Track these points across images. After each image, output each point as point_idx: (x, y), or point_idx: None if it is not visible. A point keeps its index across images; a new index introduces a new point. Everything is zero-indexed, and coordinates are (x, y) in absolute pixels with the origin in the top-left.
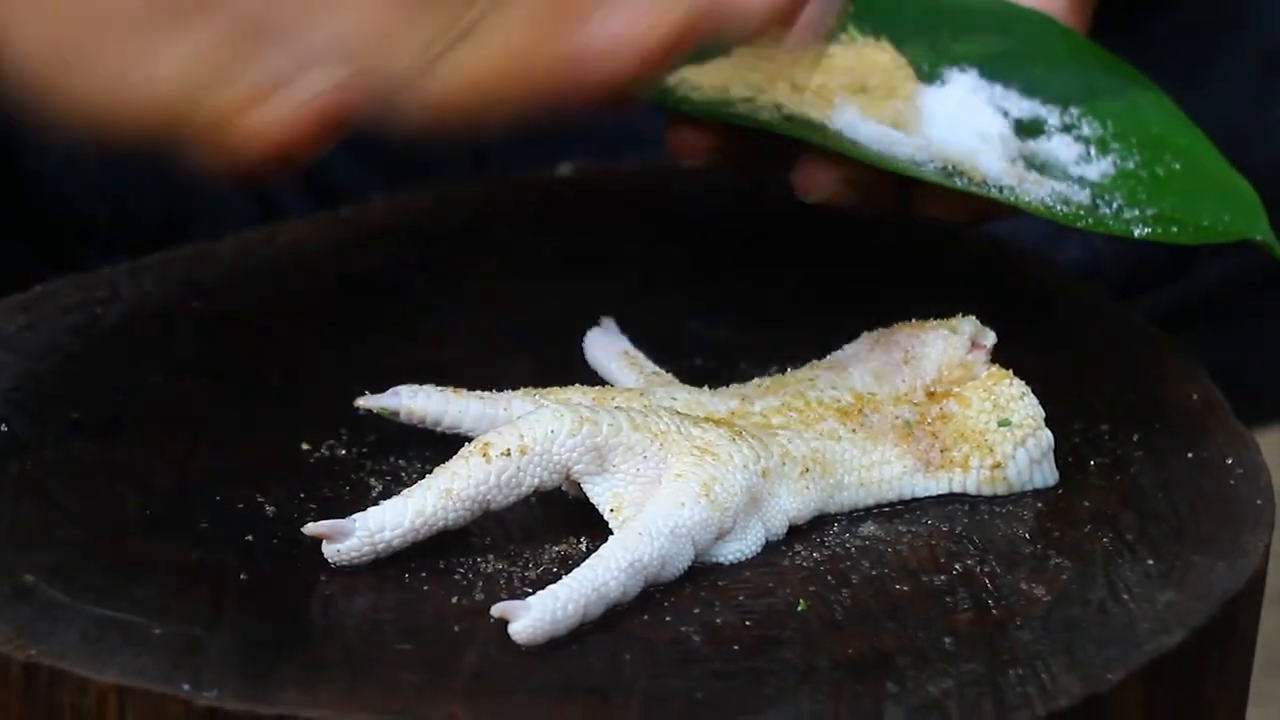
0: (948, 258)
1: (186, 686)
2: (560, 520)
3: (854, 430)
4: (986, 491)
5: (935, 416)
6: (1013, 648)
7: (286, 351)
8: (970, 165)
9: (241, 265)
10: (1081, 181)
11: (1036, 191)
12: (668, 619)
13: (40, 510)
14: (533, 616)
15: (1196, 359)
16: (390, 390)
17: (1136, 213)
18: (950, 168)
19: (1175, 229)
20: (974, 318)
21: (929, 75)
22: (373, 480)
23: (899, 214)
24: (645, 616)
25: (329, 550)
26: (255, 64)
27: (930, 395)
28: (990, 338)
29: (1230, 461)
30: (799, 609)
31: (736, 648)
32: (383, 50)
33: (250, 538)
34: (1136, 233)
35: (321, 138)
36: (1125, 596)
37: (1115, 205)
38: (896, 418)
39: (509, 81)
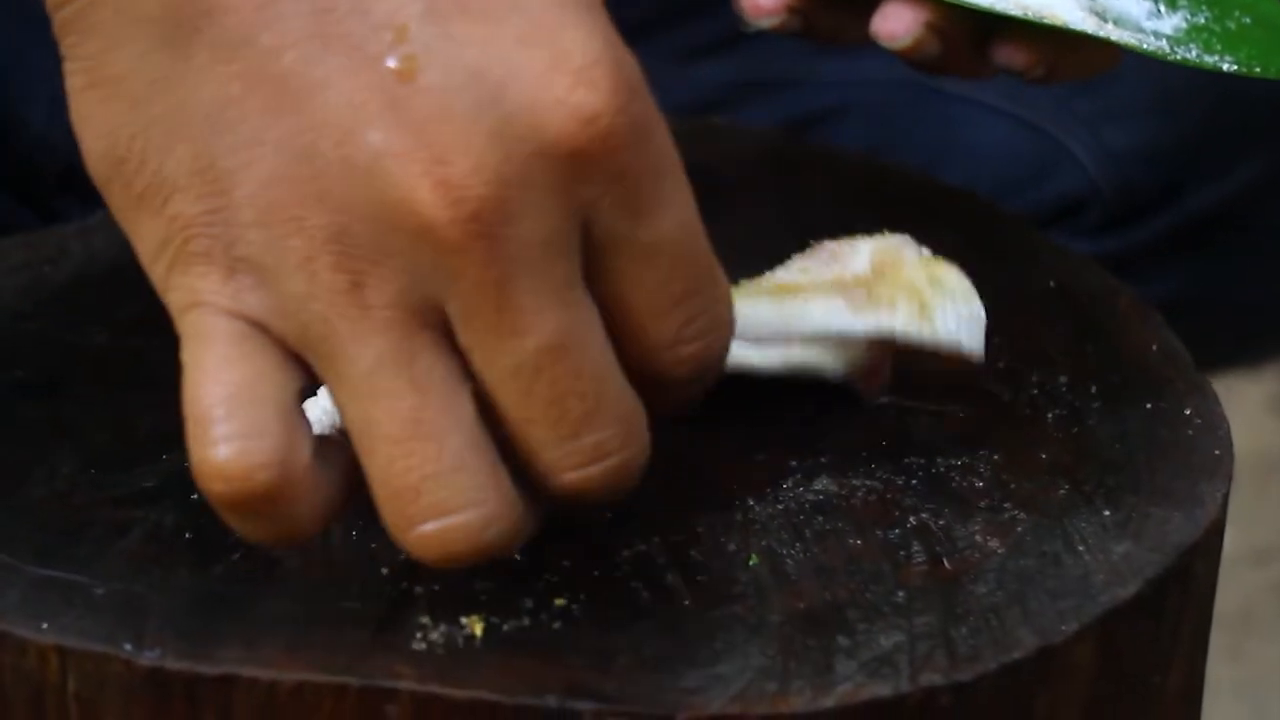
0: (911, 207)
1: (128, 646)
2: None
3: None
4: (913, 333)
5: (868, 278)
6: (966, 600)
7: None
8: (1050, 13)
9: None
10: (1156, 34)
11: (1118, 34)
12: (617, 574)
13: None
14: None
15: (1157, 312)
16: None
17: (1216, 59)
18: (1030, 13)
19: (1259, 69)
20: (907, 235)
21: None
22: None
23: (976, 73)
24: (595, 572)
25: None
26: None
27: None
28: (925, 252)
29: (1189, 412)
30: (750, 563)
31: (686, 602)
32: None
33: (195, 496)
34: (1225, 68)
35: None
36: (1080, 548)
37: (1194, 53)
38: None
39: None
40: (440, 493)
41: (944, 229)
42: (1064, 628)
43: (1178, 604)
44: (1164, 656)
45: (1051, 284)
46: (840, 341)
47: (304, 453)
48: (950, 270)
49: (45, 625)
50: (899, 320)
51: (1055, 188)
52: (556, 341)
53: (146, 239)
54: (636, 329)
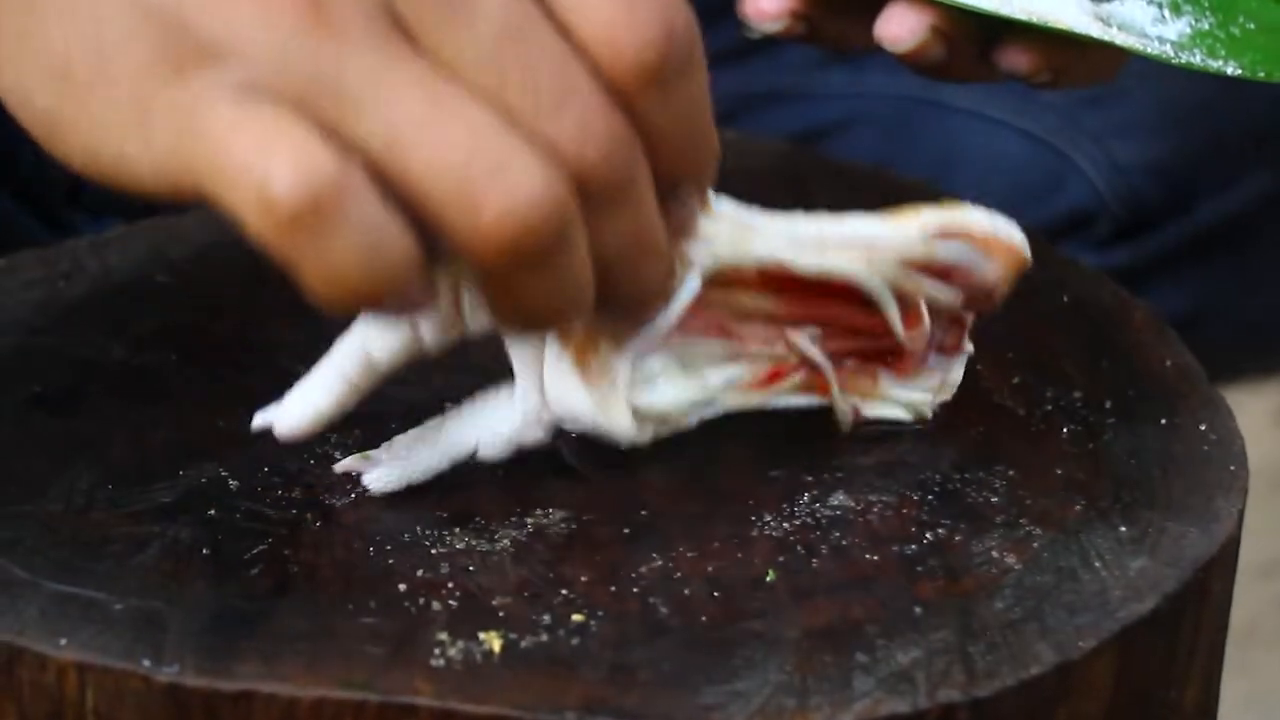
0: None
1: (147, 662)
2: (530, 494)
3: None
4: None
5: None
6: (984, 616)
7: (251, 326)
8: (1054, 19)
9: (207, 239)
10: (1160, 40)
11: (1123, 38)
12: (635, 590)
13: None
14: (384, 469)
15: (1170, 327)
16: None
17: (1220, 64)
18: (1034, 18)
19: (1263, 74)
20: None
21: None
22: (337, 454)
23: (980, 78)
24: (612, 588)
25: (369, 480)
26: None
27: None
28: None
29: (1204, 428)
30: (767, 579)
31: (704, 619)
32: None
33: (213, 512)
34: (1230, 72)
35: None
36: (1097, 564)
37: (1199, 57)
38: None
39: None
40: (488, 149)
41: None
42: (1081, 644)
43: (1194, 619)
44: (1181, 671)
45: (1065, 299)
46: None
47: (354, 157)
48: None
49: (64, 641)
50: None
51: (1063, 202)
52: (508, 19)
53: (127, 129)
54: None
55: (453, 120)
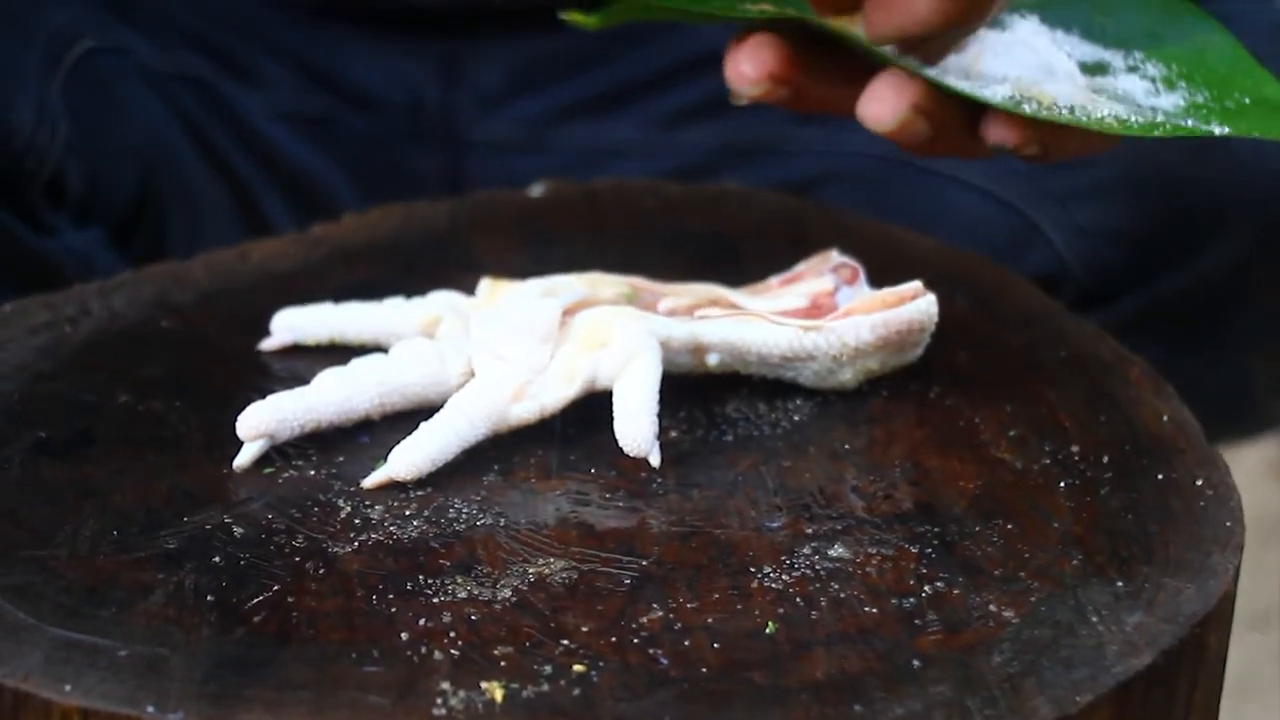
0: (922, 270)
1: (151, 708)
2: (531, 543)
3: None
4: None
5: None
6: (981, 670)
7: (256, 371)
8: (1038, 90)
9: (212, 284)
10: (1154, 110)
11: (1108, 109)
12: (636, 641)
13: (5, 529)
14: (388, 470)
15: (1165, 380)
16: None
17: (1211, 127)
18: (1018, 95)
19: (1259, 134)
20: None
21: (991, 22)
22: (341, 501)
23: (969, 153)
24: (614, 639)
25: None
26: None
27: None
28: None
29: (1200, 483)
30: (768, 631)
31: (704, 670)
32: None
33: (217, 559)
34: (1217, 131)
35: None
36: (1094, 618)
37: (1191, 124)
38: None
39: None
40: None
41: (956, 293)
42: (1078, 698)
43: (1191, 674)
44: None
45: (1063, 354)
46: None
47: None
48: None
49: (69, 687)
50: None
51: (1028, 266)
52: None
53: None
54: None
55: None
